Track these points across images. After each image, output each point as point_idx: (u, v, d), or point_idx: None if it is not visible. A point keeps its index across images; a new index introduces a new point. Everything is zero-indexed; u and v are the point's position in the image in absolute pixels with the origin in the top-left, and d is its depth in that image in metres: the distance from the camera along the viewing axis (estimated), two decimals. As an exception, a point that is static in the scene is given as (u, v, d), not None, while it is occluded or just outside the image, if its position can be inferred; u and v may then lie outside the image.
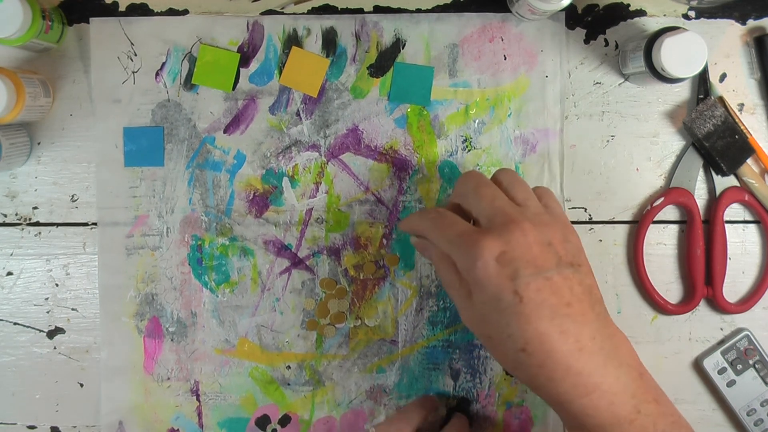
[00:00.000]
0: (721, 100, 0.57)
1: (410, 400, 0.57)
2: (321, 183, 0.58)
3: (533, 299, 0.40)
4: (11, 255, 0.58)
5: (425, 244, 0.49)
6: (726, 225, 0.57)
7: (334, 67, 0.57)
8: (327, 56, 0.57)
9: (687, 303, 0.57)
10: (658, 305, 0.58)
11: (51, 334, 0.58)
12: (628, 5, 0.58)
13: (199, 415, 0.58)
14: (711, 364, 0.57)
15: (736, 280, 0.58)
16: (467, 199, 0.46)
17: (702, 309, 0.58)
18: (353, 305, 0.58)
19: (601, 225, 0.58)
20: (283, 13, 0.58)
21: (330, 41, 0.57)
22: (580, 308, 0.41)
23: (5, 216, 0.58)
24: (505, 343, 0.42)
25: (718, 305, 0.57)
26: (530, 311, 0.40)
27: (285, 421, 0.58)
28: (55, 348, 0.58)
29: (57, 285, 0.58)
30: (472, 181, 0.46)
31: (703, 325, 0.58)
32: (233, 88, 0.57)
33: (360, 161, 0.58)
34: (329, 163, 0.58)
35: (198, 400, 0.58)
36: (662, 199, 0.57)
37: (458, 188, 0.47)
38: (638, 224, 0.57)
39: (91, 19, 0.57)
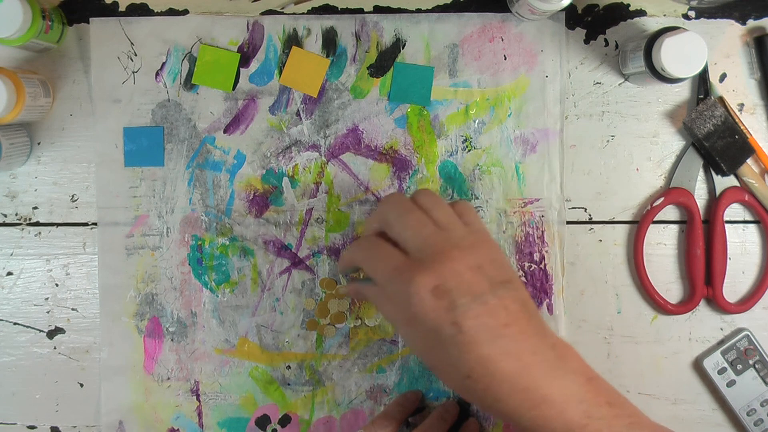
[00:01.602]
0: (721, 100, 0.57)
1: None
2: (321, 183, 0.58)
3: (472, 327, 0.41)
4: (11, 255, 0.58)
5: (357, 288, 0.49)
6: (726, 225, 0.57)
7: (334, 67, 0.57)
8: (327, 56, 0.57)
9: (687, 303, 0.57)
10: (658, 305, 0.58)
11: (51, 334, 0.58)
12: (628, 5, 0.58)
13: (199, 414, 0.58)
14: (711, 364, 0.57)
15: (736, 280, 0.58)
16: (393, 228, 0.45)
17: (702, 309, 0.58)
18: (353, 305, 0.58)
19: (601, 225, 0.58)
20: (283, 13, 0.58)
21: (330, 41, 0.57)
22: (519, 326, 0.42)
23: (5, 216, 0.58)
24: (450, 371, 0.42)
25: (718, 305, 0.57)
26: (470, 339, 0.41)
27: (285, 421, 0.58)
28: (55, 348, 0.58)
29: (57, 285, 0.58)
30: (395, 208, 0.46)
31: (703, 325, 0.58)
32: (233, 88, 0.57)
33: (360, 161, 0.58)
34: (329, 163, 0.58)
35: (198, 399, 0.58)
36: (662, 199, 0.57)
37: (382, 214, 0.47)
38: (638, 224, 0.57)
39: (91, 19, 0.57)
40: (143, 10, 0.57)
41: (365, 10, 0.57)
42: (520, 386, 0.41)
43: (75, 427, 0.58)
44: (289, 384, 0.58)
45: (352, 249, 0.48)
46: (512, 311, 0.42)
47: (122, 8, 0.57)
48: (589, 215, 0.58)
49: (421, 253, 0.43)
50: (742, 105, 0.58)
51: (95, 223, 0.58)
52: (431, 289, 0.41)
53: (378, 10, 0.58)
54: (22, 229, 0.58)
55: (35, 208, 0.58)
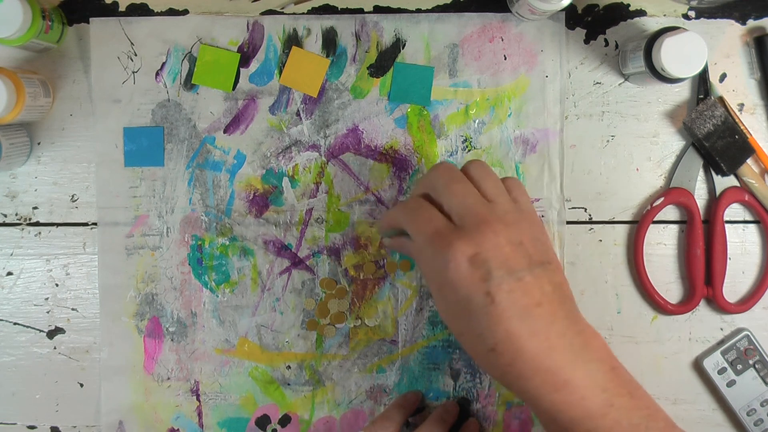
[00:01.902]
0: (721, 100, 0.57)
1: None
2: (321, 183, 0.58)
3: (504, 300, 0.41)
4: (11, 255, 0.58)
5: (401, 242, 0.50)
6: (726, 225, 0.57)
7: (334, 67, 0.57)
8: (327, 56, 0.57)
9: (687, 303, 0.57)
10: (658, 305, 0.58)
11: (51, 334, 0.58)
12: (628, 5, 0.58)
13: (199, 415, 0.58)
14: (711, 364, 0.57)
15: (736, 280, 0.58)
16: (439, 194, 0.46)
17: (702, 309, 0.58)
18: (353, 305, 0.58)
19: (601, 225, 0.58)
20: (283, 13, 0.58)
21: (330, 41, 0.57)
22: (550, 308, 0.42)
23: (5, 216, 0.58)
24: (476, 341, 0.42)
25: (718, 305, 0.57)
26: (501, 312, 0.41)
27: (285, 421, 0.58)
28: (55, 348, 0.58)
29: (57, 285, 0.58)
30: (444, 175, 0.46)
31: (703, 325, 0.58)
32: (233, 88, 0.57)
33: (360, 161, 0.58)
34: (329, 163, 0.58)
35: (198, 400, 0.58)
36: (662, 199, 0.57)
37: (430, 181, 0.47)
38: (638, 224, 0.57)
39: (91, 19, 0.57)
40: (143, 10, 0.57)
41: (365, 10, 0.57)
42: (543, 366, 0.41)
43: (75, 427, 0.58)
44: (289, 384, 0.58)
45: (397, 209, 0.48)
46: (546, 292, 0.42)
47: (122, 8, 0.57)
48: (589, 215, 0.58)
49: (464, 221, 0.43)
50: (742, 105, 0.58)
51: (95, 223, 0.58)
52: (469, 257, 0.42)
53: (378, 10, 0.58)
54: (22, 229, 0.58)
55: (35, 208, 0.58)
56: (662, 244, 0.58)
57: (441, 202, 0.46)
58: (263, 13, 0.58)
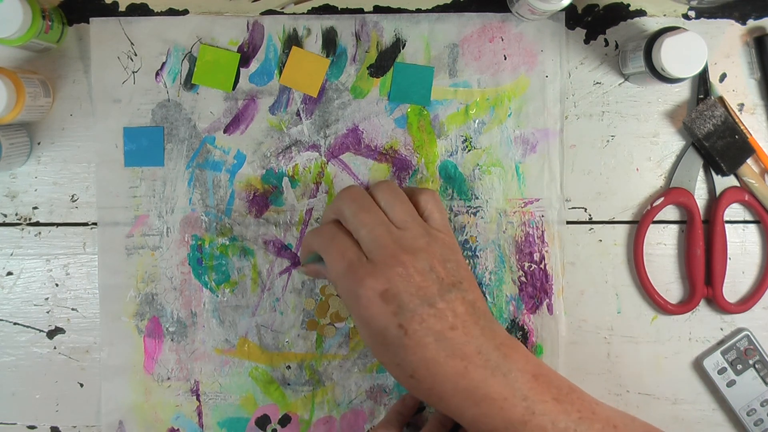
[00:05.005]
0: (721, 100, 0.57)
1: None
2: (321, 183, 0.58)
3: (418, 330, 0.42)
4: (11, 255, 0.58)
5: (317, 268, 0.49)
6: (726, 225, 0.57)
7: (334, 67, 0.57)
8: (327, 56, 0.57)
9: (687, 303, 0.57)
10: (658, 305, 0.58)
11: (51, 334, 0.58)
12: (628, 5, 0.58)
13: (199, 414, 0.58)
14: (711, 364, 0.57)
15: (736, 280, 0.58)
16: (347, 223, 0.46)
17: (702, 309, 0.58)
18: (353, 305, 0.58)
19: (601, 225, 0.58)
20: (283, 13, 0.58)
21: (330, 41, 0.57)
22: (464, 329, 0.42)
23: (5, 216, 0.58)
24: (396, 369, 0.43)
25: (718, 305, 0.57)
26: (416, 342, 0.42)
27: (285, 421, 0.58)
28: (55, 348, 0.58)
29: (57, 285, 0.58)
30: (352, 204, 0.46)
31: (703, 325, 0.58)
32: (233, 88, 0.57)
33: (360, 161, 0.58)
34: (329, 163, 0.58)
35: (198, 399, 0.58)
36: (662, 199, 0.57)
37: (338, 208, 0.46)
38: (638, 224, 0.57)
39: (91, 19, 0.57)
40: (143, 10, 0.57)
41: (365, 10, 0.57)
42: (461, 386, 0.42)
43: (75, 427, 0.58)
44: (289, 384, 0.58)
45: (312, 236, 0.48)
46: (459, 314, 0.43)
47: (122, 8, 0.57)
48: (589, 215, 0.58)
49: (373, 254, 0.44)
50: (742, 105, 0.58)
51: (95, 223, 0.58)
52: (380, 293, 0.42)
53: (378, 10, 0.58)
54: (22, 229, 0.58)
55: (35, 208, 0.58)
56: (662, 244, 0.58)
57: (350, 230, 0.45)
58: (263, 13, 0.58)
